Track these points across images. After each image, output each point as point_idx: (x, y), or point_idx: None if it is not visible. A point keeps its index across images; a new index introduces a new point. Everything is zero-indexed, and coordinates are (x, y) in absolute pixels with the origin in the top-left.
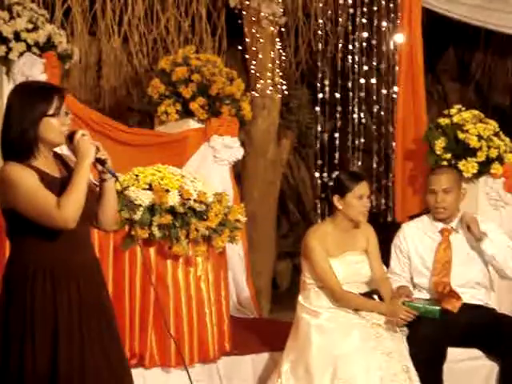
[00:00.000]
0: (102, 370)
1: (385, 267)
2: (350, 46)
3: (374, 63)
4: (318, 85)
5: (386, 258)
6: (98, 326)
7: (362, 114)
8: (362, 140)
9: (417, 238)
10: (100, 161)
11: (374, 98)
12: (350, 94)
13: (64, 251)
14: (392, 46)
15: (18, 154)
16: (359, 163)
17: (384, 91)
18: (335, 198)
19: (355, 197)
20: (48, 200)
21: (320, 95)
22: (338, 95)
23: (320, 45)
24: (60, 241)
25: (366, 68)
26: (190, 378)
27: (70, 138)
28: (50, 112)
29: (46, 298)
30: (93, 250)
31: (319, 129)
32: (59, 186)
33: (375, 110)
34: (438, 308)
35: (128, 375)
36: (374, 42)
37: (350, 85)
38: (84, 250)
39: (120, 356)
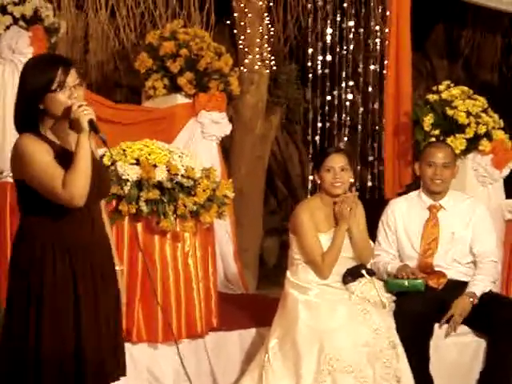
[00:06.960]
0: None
1: (372, 243)
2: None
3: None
4: (309, 63)
5: (373, 234)
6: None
7: (349, 90)
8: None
9: (405, 214)
10: (94, 128)
11: (362, 73)
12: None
13: (73, 229)
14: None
15: (26, 126)
16: (345, 139)
17: (372, 67)
18: (314, 174)
19: (325, 170)
20: (54, 177)
21: (309, 71)
22: (326, 71)
23: (309, 20)
24: (71, 218)
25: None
26: (178, 352)
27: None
28: (53, 86)
29: (56, 273)
30: (103, 228)
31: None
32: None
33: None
34: (421, 281)
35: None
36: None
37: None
38: (96, 228)
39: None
